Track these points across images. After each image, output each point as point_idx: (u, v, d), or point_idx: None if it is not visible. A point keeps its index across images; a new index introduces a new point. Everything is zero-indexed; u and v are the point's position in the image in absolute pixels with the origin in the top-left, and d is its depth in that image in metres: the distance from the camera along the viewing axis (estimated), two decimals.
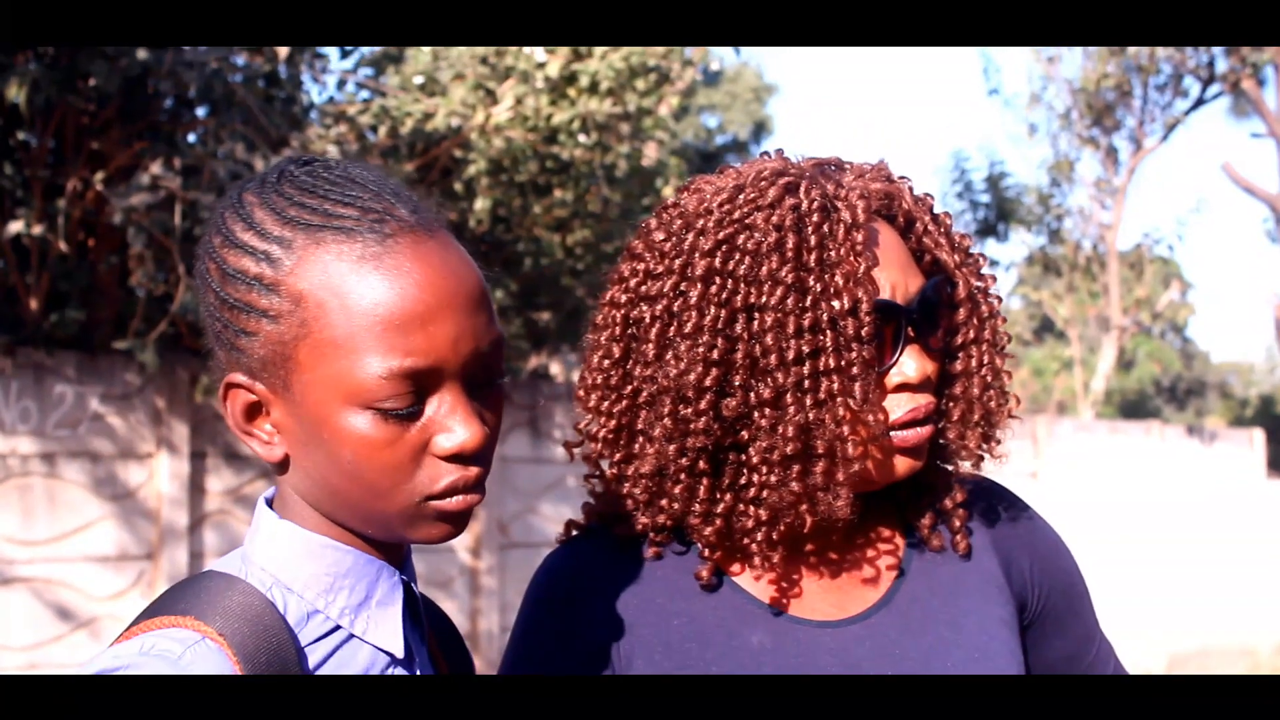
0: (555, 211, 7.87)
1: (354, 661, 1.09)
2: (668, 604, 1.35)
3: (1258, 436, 14.02)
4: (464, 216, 7.54)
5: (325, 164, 1.09)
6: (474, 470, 1.07)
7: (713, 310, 1.27)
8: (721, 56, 12.05)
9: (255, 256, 1.04)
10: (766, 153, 1.41)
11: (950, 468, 1.43)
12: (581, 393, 1.39)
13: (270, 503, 1.14)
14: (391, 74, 7.53)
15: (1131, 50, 15.38)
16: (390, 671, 1.12)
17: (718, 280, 1.28)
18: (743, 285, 1.27)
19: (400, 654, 1.11)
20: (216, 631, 1.01)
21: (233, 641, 1.01)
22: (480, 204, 7.38)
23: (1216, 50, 15.02)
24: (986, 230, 16.36)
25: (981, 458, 1.39)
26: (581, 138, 7.27)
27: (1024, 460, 11.53)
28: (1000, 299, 1.41)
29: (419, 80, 7.31)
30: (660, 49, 7.29)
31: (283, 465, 1.08)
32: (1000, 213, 16.22)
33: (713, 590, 1.35)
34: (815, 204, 1.28)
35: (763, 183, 1.31)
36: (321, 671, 1.07)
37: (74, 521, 6.26)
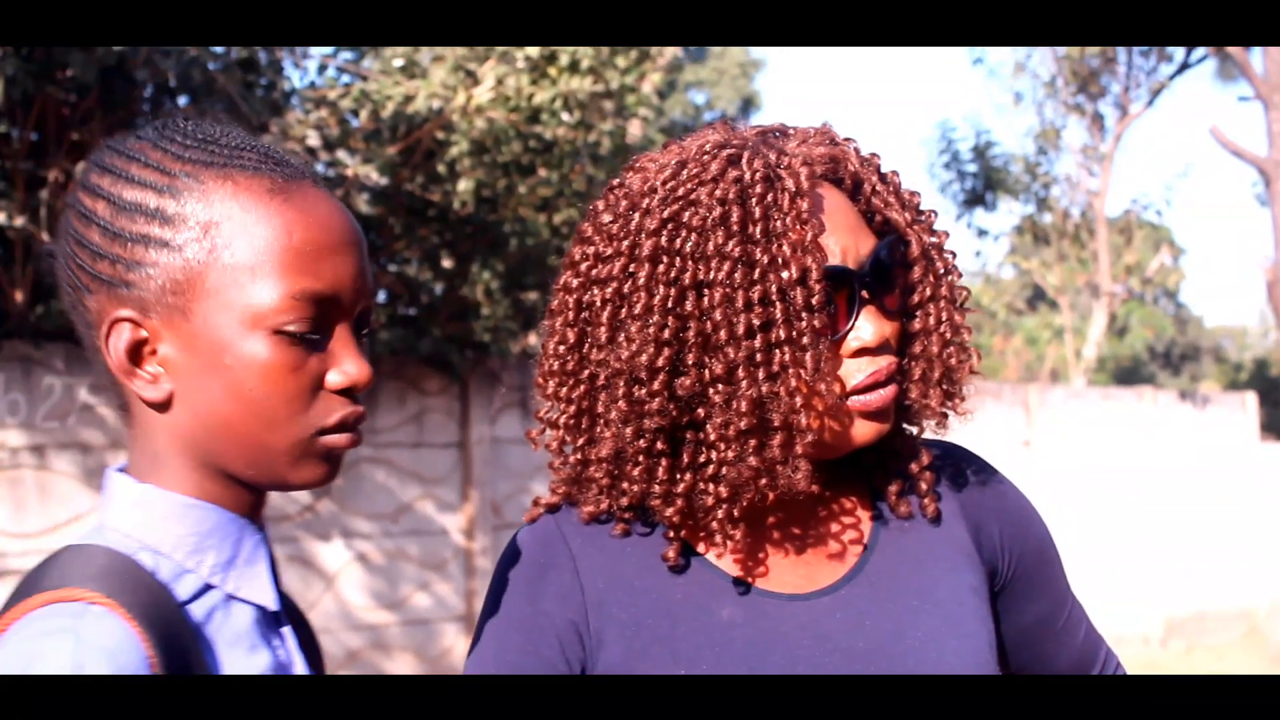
0: (540, 191, 7.85)
1: (231, 620, 1.08)
2: (636, 582, 1.34)
3: (1250, 400, 13.98)
4: (448, 198, 7.52)
5: (196, 119, 1.12)
6: (360, 408, 1.10)
7: (661, 289, 1.26)
8: None
9: (156, 190, 1.06)
10: (711, 124, 1.39)
11: (915, 431, 1.42)
12: (540, 379, 1.39)
13: (123, 473, 1.11)
14: (372, 57, 7.51)
15: None
16: (263, 628, 1.10)
17: (665, 259, 1.27)
18: (690, 262, 1.26)
19: (274, 606, 1.11)
20: (101, 595, 0.98)
21: (121, 602, 0.98)
22: (464, 185, 7.35)
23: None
24: (974, 200, 16.33)
25: (945, 416, 1.38)
26: (564, 116, 7.24)
27: (1016, 429, 11.53)
28: (955, 254, 1.39)
29: (399, 63, 7.29)
30: None
31: (164, 406, 1.08)
32: (988, 182, 16.17)
33: (680, 570, 1.35)
34: (758, 174, 1.27)
35: (705, 157, 1.30)
36: (206, 631, 1.05)
37: (65, 513, 6.26)
